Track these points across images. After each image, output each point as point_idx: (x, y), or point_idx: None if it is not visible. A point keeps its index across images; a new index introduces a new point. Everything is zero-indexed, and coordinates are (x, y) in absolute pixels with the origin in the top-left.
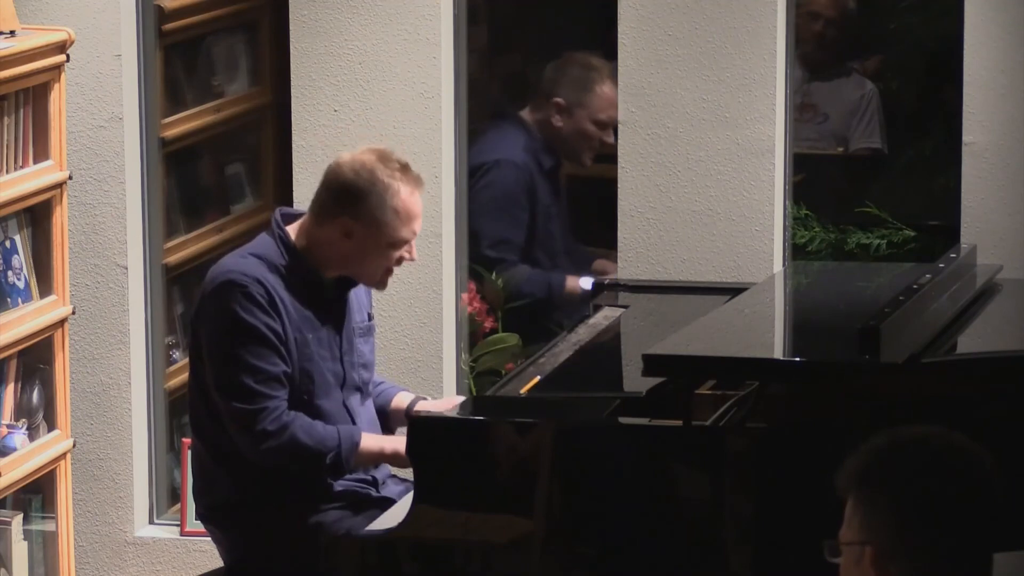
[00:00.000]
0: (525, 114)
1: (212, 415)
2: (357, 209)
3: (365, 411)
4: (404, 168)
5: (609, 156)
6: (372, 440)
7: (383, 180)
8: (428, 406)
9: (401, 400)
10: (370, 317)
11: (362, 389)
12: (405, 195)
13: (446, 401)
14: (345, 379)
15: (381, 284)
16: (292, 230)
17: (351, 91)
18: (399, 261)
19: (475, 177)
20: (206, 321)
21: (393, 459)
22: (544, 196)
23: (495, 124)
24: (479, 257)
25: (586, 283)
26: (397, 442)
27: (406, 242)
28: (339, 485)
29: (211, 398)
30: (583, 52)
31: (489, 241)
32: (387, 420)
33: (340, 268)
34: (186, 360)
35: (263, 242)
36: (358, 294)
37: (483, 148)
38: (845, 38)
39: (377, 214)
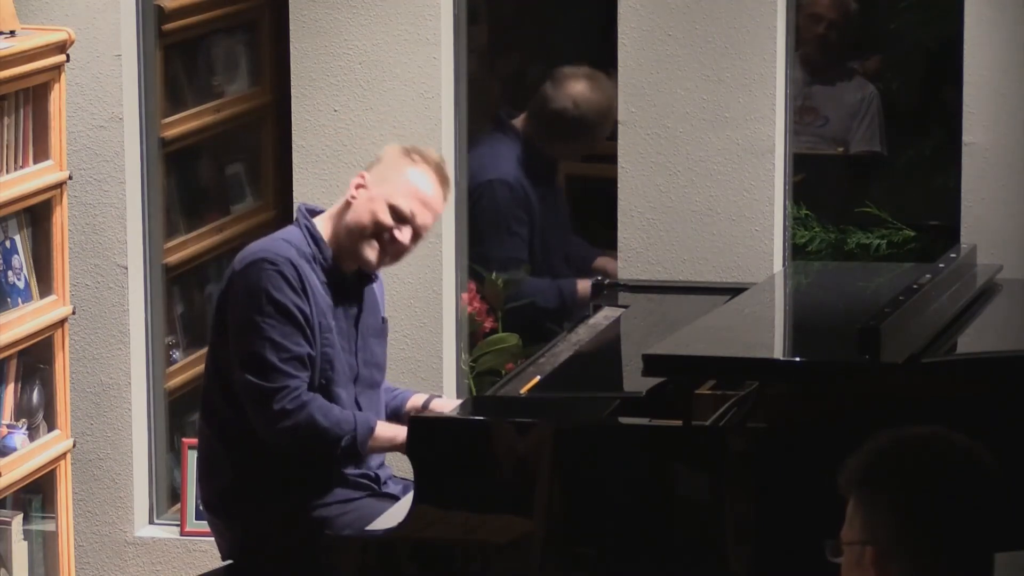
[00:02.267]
0: (522, 125)
1: (226, 396)
2: (377, 167)
3: (376, 411)
4: (434, 163)
5: (609, 156)
6: (387, 428)
7: (411, 155)
8: (441, 404)
9: (416, 400)
10: (384, 320)
11: (374, 388)
12: (420, 173)
13: (458, 401)
14: (358, 375)
15: (369, 255)
16: (318, 222)
17: (351, 91)
18: (391, 238)
19: (471, 199)
20: (235, 298)
21: (405, 448)
22: (540, 207)
23: (487, 138)
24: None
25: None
26: None
27: (400, 215)
28: (342, 481)
29: (226, 380)
30: (582, 76)
31: (499, 264)
32: (402, 421)
33: (343, 241)
34: (186, 360)
35: (291, 231)
36: (374, 296)
37: (475, 166)
38: (846, 39)
39: (388, 174)
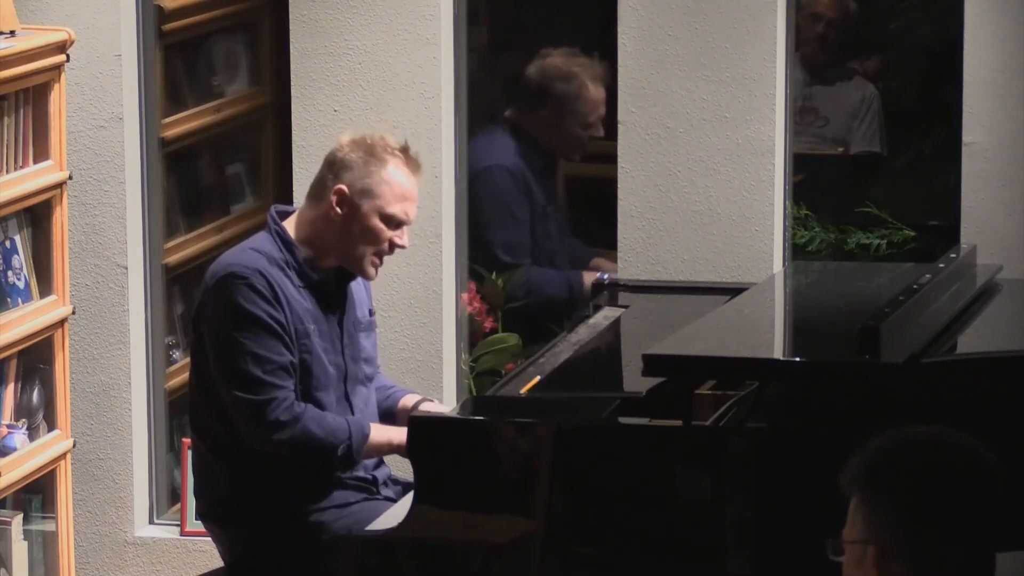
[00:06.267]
0: (512, 114)
1: (212, 412)
2: (352, 175)
3: (367, 405)
4: (404, 150)
5: (609, 156)
6: (381, 431)
7: (380, 154)
8: (432, 407)
9: (408, 401)
10: (371, 313)
11: (364, 384)
12: (400, 171)
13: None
14: (347, 372)
15: (369, 270)
16: (288, 225)
17: (351, 91)
18: (390, 247)
19: (470, 185)
20: (209, 315)
21: (400, 450)
22: (539, 196)
23: (484, 129)
24: (494, 263)
25: (603, 277)
26: (405, 434)
27: (396, 222)
28: (339, 484)
29: (211, 395)
30: (561, 54)
31: (501, 247)
32: (394, 421)
33: (333, 252)
34: (186, 360)
35: (261, 238)
36: (358, 290)
37: (473, 155)
38: (846, 39)
39: (369, 183)
